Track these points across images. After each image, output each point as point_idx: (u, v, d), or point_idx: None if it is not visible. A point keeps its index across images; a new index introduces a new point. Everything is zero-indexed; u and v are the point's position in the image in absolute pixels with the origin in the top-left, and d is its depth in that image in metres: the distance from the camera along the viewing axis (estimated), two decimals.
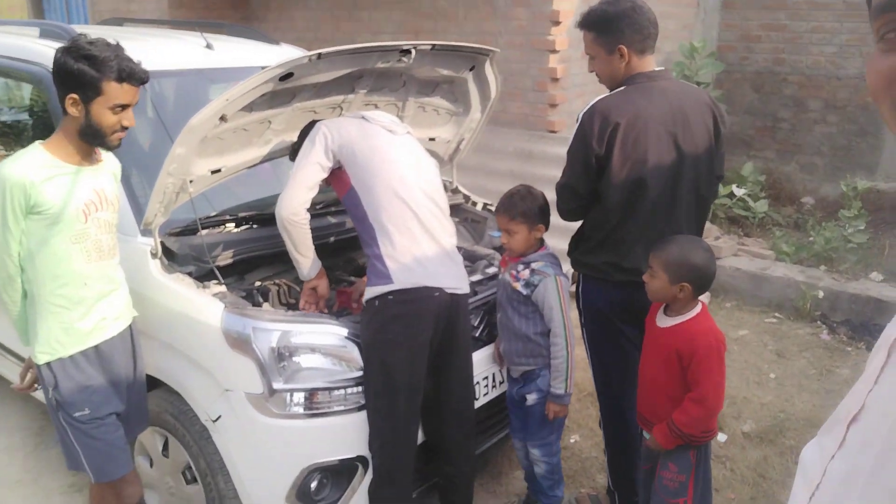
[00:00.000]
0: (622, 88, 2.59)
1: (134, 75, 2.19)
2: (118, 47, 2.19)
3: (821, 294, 4.70)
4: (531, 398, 2.81)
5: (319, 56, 2.51)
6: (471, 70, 3.27)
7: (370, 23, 6.88)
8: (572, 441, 3.57)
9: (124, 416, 2.46)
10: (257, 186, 3.30)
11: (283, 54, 3.74)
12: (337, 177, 2.67)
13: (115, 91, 2.16)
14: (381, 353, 2.46)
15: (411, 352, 2.49)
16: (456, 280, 2.59)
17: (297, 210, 2.57)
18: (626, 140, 2.53)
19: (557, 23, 5.58)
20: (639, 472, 3.01)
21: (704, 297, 4.34)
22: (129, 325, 2.50)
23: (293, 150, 2.89)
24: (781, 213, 6.48)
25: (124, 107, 2.20)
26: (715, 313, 4.86)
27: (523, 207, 2.73)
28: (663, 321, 2.44)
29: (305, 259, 2.66)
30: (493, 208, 3.70)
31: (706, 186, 2.73)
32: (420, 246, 2.52)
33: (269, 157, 3.05)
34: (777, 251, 5.34)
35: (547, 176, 3.93)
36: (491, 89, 3.44)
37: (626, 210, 2.62)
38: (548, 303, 2.69)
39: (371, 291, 2.50)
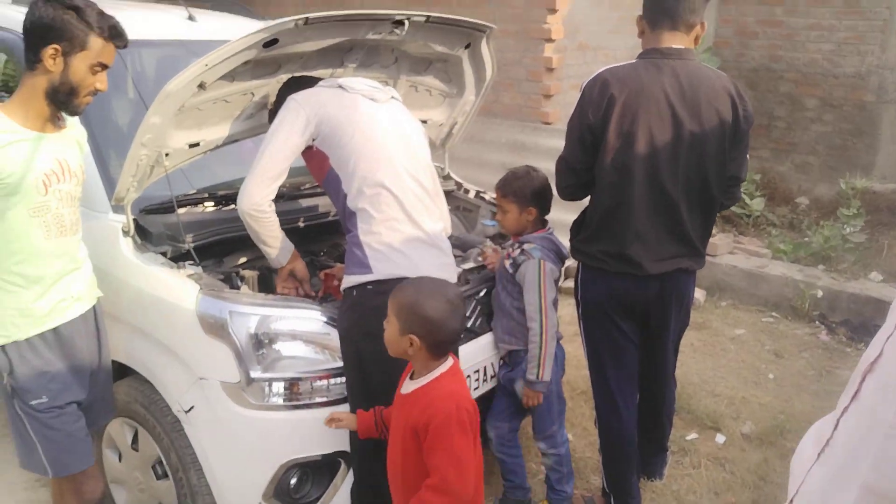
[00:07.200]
0: (632, 61, 2.43)
1: (121, 35, 2.07)
2: (99, 6, 2.05)
3: (819, 293, 4.57)
4: (518, 387, 2.70)
5: (307, 21, 2.33)
6: (466, 48, 3.10)
7: (363, 7, 6.71)
8: None
9: (87, 405, 2.27)
10: (237, 164, 3.11)
11: None
12: (312, 156, 2.45)
13: (100, 48, 2.03)
14: (357, 345, 2.27)
15: None
16: (441, 269, 2.38)
17: (260, 205, 2.35)
18: (624, 114, 2.37)
19: (554, 10, 5.44)
20: (635, 474, 2.86)
21: (700, 295, 4.05)
22: (93, 307, 2.31)
23: (271, 113, 2.69)
24: (776, 213, 6.36)
25: (103, 68, 2.06)
26: (711, 312, 4.74)
27: (516, 186, 2.73)
28: (406, 387, 1.98)
29: (272, 249, 2.47)
30: (485, 196, 3.55)
31: (717, 186, 2.52)
32: (402, 233, 2.31)
33: (251, 134, 2.87)
34: (774, 250, 5.21)
35: (541, 169, 3.81)
36: (487, 70, 3.27)
37: (619, 194, 2.46)
38: (527, 285, 2.63)
39: (349, 280, 2.31)
